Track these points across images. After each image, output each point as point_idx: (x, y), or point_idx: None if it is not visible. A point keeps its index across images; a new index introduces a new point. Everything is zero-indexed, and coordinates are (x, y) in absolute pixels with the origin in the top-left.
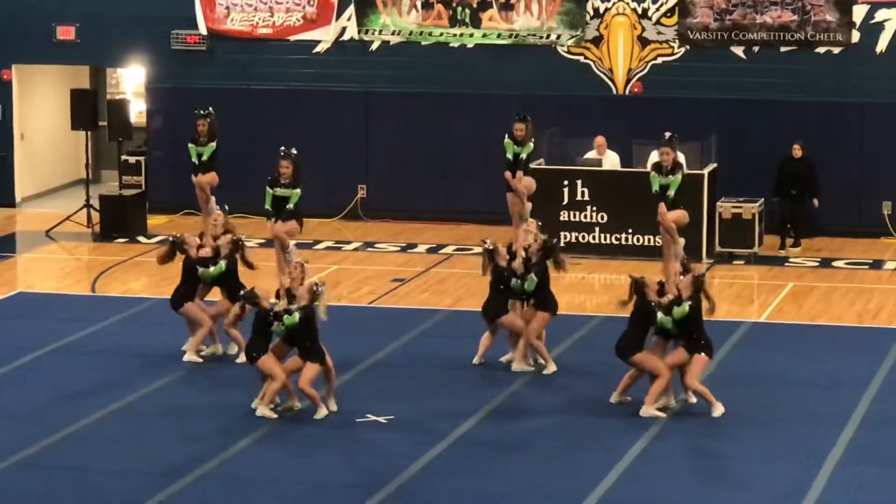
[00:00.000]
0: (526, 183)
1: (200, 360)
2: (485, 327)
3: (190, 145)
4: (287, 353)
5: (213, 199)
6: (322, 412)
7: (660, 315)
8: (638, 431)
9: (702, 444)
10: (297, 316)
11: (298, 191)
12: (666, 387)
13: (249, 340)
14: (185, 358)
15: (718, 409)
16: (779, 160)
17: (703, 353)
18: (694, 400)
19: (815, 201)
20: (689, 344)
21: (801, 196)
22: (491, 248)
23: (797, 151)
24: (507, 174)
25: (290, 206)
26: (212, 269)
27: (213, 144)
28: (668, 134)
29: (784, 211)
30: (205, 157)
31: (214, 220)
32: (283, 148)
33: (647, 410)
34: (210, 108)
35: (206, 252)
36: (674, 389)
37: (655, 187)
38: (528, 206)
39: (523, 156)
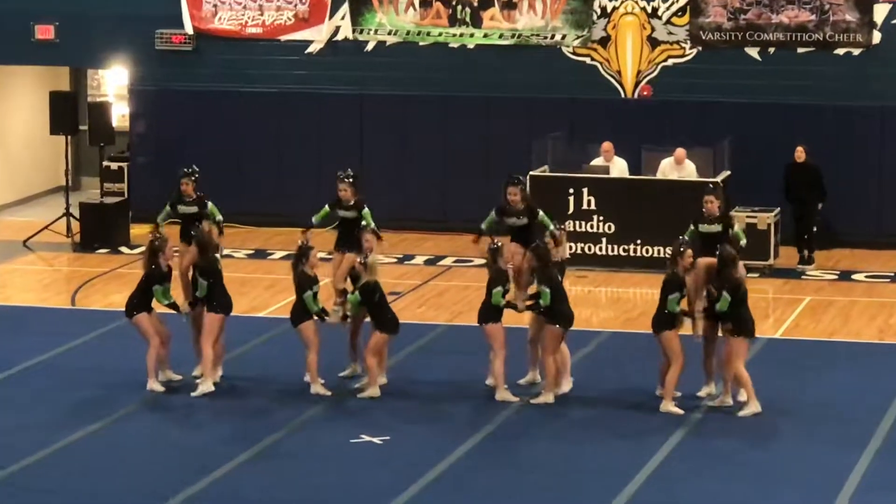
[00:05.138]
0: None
1: (162, 389)
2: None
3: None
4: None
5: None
6: (373, 391)
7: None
8: (647, 451)
9: (714, 467)
10: (357, 295)
11: (367, 211)
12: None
13: (296, 303)
14: (149, 387)
15: (754, 407)
16: (783, 165)
17: (741, 337)
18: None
19: (820, 205)
20: (732, 321)
21: (807, 203)
22: (495, 247)
23: (800, 155)
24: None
25: (368, 223)
26: (160, 289)
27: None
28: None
29: (795, 220)
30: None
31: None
32: (339, 172)
33: (666, 406)
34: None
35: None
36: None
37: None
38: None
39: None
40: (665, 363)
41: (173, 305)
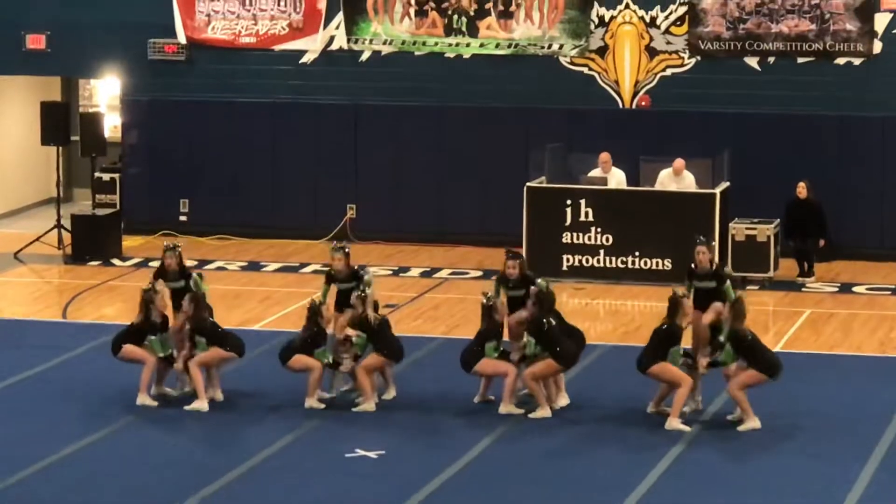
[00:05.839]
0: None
1: (154, 403)
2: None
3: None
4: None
5: None
6: (368, 405)
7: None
8: (647, 464)
9: (715, 480)
10: (363, 337)
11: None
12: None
13: (290, 345)
14: (139, 401)
15: (753, 423)
16: (785, 201)
17: (756, 370)
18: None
19: (822, 242)
20: (754, 360)
21: (808, 239)
22: (490, 304)
23: (802, 192)
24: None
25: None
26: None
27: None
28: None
29: (795, 250)
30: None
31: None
32: (335, 242)
33: (672, 423)
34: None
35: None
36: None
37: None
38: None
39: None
40: (665, 388)
41: (169, 358)
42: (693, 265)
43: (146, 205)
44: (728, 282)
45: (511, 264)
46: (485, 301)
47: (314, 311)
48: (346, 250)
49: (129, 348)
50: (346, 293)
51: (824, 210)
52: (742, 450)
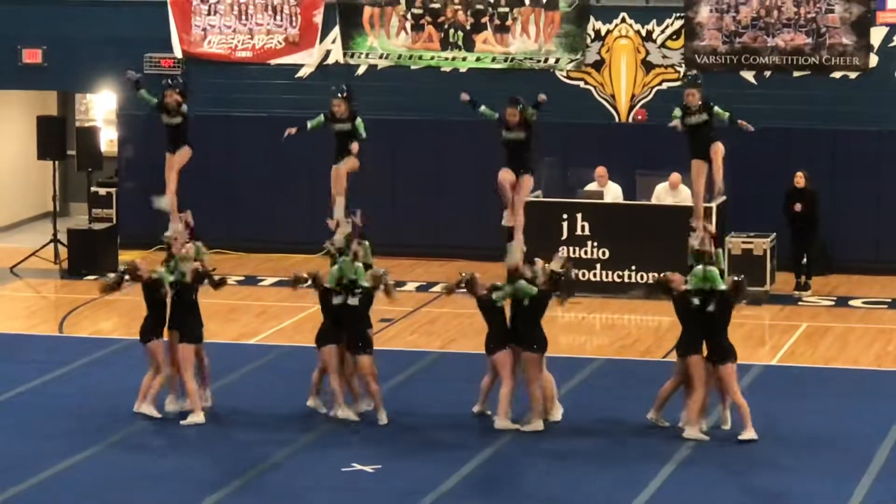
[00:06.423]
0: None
1: (158, 415)
2: (486, 368)
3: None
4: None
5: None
6: (383, 417)
7: (695, 301)
8: (643, 478)
9: (711, 495)
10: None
11: (360, 121)
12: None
13: (322, 325)
14: (140, 409)
15: (750, 433)
16: (783, 191)
17: (728, 363)
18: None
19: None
20: (714, 351)
21: (805, 230)
22: (469, 277)
23: (800, 181)
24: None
25: (362, 134)
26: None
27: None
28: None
29: (794, 247)
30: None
31: (186, 249)
32: (333, 87)
33: (692, 432)
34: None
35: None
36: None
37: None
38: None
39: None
40: (668, 387)
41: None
42: (685, 105)
43: (142, 219)
44: (716, 106)
45: (511, 111)
46: (464, 275)
47: (316, 283)
48: (344, 94)
49: (158, 347)
50: (343, 135)
51: (818, 201)
52: (738, 464)
